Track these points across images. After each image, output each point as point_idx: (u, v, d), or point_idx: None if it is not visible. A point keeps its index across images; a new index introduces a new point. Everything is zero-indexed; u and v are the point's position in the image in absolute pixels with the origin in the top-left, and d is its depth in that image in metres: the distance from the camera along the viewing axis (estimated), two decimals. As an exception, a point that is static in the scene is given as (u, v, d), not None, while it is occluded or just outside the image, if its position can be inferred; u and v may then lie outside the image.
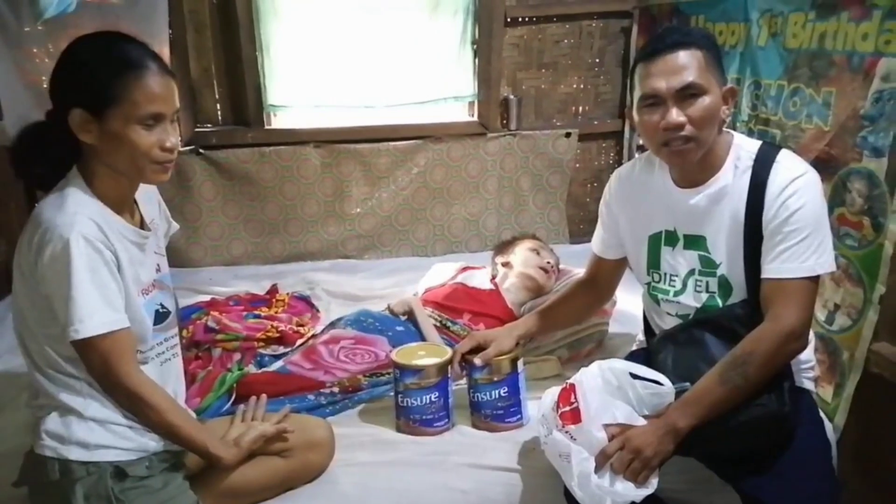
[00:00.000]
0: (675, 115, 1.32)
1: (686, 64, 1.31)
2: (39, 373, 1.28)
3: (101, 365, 1.23)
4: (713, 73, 1.33)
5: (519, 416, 1.70)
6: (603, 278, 1.71)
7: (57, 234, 1.17)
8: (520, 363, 1.70)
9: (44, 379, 1.27)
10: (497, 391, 1.66)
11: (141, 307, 1.30)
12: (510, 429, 1.68)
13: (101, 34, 1.28)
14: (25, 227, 1.24)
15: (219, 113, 2.93)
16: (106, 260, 1.21)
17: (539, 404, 1.43)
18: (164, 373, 1.38)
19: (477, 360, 1.64)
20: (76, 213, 1.19)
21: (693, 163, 1.38)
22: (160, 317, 1.36)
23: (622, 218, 1.58)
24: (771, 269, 1.32)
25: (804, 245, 1.29)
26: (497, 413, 1.68)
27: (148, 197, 1.42)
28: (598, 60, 3.05)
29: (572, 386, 1.33)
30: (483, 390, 1.67)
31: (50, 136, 1.25)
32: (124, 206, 1.33)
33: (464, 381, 1.78)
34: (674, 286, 1.48)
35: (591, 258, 1.72)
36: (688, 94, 1.31)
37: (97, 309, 1.19)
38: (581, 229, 3.20)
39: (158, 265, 1.40)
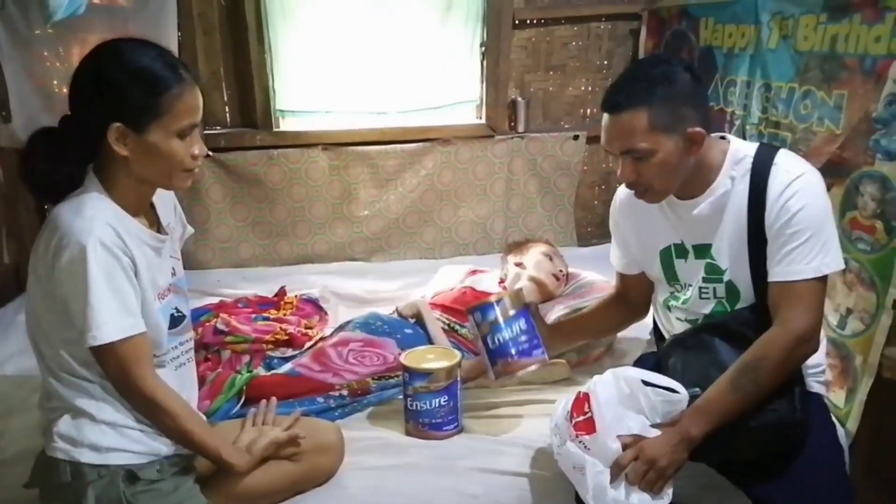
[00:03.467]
0: (624, 173, 1.34)
1: (627, 129, 1.29)
2: (52, 376, 1.28)
3: (117, 370, 1.23)
4: (663, 129, 1.28)
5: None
6: (632, 292, 1.65)
7: (74, 239, 1.17)
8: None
9: (56, 382, 1.27)
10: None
11: (157, 312, 1.30)
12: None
13: (128, 43, 1.25)
14: (42, 230, 1.24)
15: (227, 115, 2.93)
16: (123, 265, 1.21)
17: (552, 413, 1.41)
18: (179, 377, 1.38)
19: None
20: (94, 219, 1.19)
21: (660, 202, 1.41)
22: (175, 321, 1.37)
23: (630, 236, 1.57)
24: (777, 272, 1.31)
25: (808, 246, 1.28)
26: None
27: (164, 200, 1.42)
28: (606, 63, 3.04)
29: (586, 395, 1.31)
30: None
31: (66, 143, 1.24)
32: (142, 209, 1.33)
33: (473, 383, 1.78)
34: (684, 294, 1.47)
35: (615, 275, 1.69)
36: (633, 156, 1.31)
37: (114, 315, 1.19)
38: (589, 232, 3.19)
39: (174, 269, 1.40)
